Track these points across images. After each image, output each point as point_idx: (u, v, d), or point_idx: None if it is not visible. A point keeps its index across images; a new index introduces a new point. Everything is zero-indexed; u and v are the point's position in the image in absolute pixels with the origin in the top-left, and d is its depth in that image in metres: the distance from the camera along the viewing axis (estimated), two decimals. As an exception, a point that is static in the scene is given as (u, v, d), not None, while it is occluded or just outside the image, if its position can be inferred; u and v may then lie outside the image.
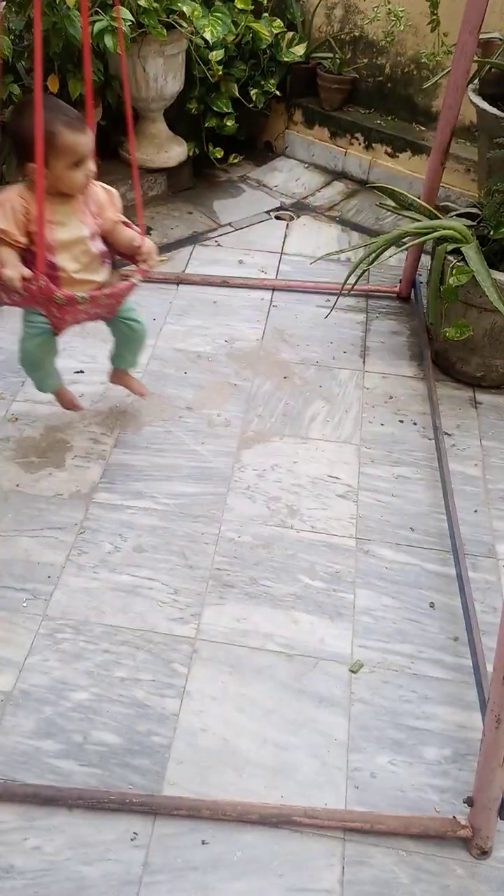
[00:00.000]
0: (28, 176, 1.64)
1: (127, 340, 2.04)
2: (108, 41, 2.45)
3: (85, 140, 1.65)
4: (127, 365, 2.14)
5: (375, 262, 2.40)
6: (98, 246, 1.79)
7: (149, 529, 1.92)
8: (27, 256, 1.68)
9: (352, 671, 1.63)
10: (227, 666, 1.63)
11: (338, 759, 1.49)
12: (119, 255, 1.89)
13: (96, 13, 2.51)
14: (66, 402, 2.14)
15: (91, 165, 1.69)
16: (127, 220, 1.85)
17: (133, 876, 1.31)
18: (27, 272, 1.62)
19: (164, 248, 3.07)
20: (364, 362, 2.52)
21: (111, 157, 3.31)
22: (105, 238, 1.82)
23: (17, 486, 2.02)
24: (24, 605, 1.73)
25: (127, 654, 1.64)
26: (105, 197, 1.80)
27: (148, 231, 3.17)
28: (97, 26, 2.46)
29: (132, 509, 1.97)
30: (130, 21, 2.52)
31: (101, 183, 1.80)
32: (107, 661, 1.63)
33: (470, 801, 1.36)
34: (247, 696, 1.58)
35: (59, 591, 1.76)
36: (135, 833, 1.37)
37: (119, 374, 2.18)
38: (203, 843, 1.36)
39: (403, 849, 1.37)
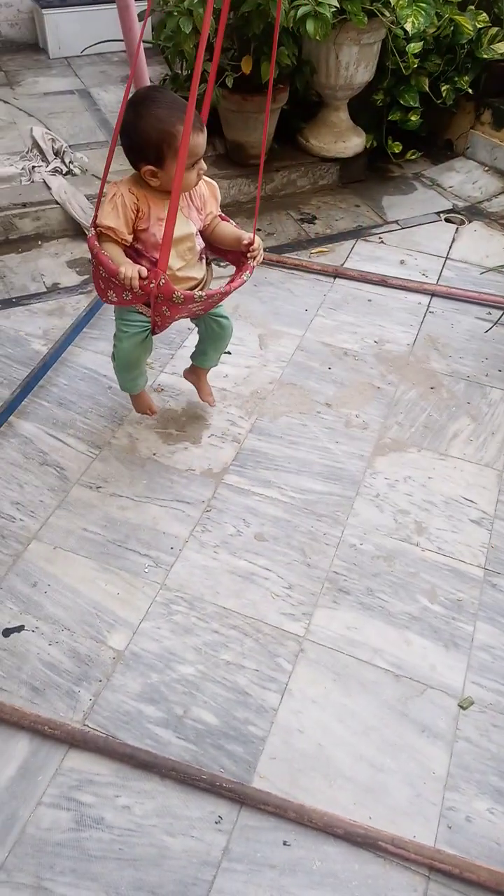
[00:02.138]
0: (144, 177, 1.57)
1: (215, 338, 1.95)
2: (310, 26, 2.43)
3: (202, 140, 1.56)
4: (209, 363, 2.07)
5: (551, 281, 2.25)
6: (201, 242, 1.72)
7: (272, 520, 1.93)
8: (129, 253, 1.63)
9: (461, 706, 1.56)
10: (332, 672, 1.61)
11: (433, 793, 1.43)
12: (214, 251, 1.79)
13: (301, -3, 2.50)
14: (144, 405, 2.08)
15: (203, 164, 1.61)
16: (223, 214, 1.77)
17: (213, 858, 1.33)
18: (145, 271, 1.55)
19: (326, 240, 3.04)
20: (519, 385, 2.38)
21: (287, 142, 3.32)
22: (202, 233, 1.73)
23: (154, 454, 2.08)
24: (146, 570, 1.79)
25: (235, 638, 1.66)
26: (208, 191, 1.72)
27: (312, 220, 3.16)
28: (301, 10, 2.45)
29: (258, 496, 1.98)
30: (334, 7, 2.49)
31: (204, 178, 1.71)
32: (215, 642, 1.65)
33: None
34: (348, 708, 1.55)
35: (180, 563, 1.81)
36: (220, 817, 1.38)
37: (198, 372, 2.12)
38: (285, 843, 1.36)
39: (490, 904, 1.30)
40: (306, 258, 2.91)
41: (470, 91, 3.27)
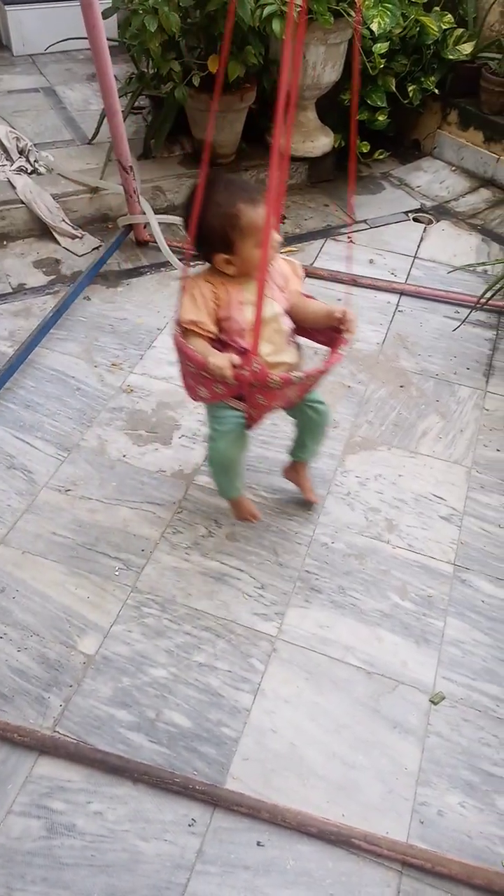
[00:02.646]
0: (219, 267, 1.50)
1: (313, 426, 1.79)
2: (276, 25, 2.42)
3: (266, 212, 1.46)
4: (309, 455, 1.89)
5: (516, 280, 2.28)
6: (288, 323, 1.61)
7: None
8: (214, 346, 1.54)
9: (432, 702, 1.57)
10: (304, 671, 1.61)
11: (405, 789, 1.44)
12: (302, 333, 1.68)
13: (266, -4, 2.50)
14: (245, 511, 1.88)
15: (276, 236, 1.51)
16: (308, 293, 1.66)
17: (186, 861, 1.32)
18: (237, 359, 1.44)
19: (295, 239, 3.05)
20: (487, 382, 2.41)
21: (256, 141, 3.31)
22: (289, 313, 1.63)
23: (124, 456, 2.06)
24: (117, 573, 1.77)
25: (207, 640, 1.65)
26: (289, 269, 1.63)
27: (282, 219, 3.15)
28: (267, 10, 2.44)
29: (230, 497, 1.98)
30: (299, 7, 2.48)
31: (282, 255, 1.64)
32: (187, 644, 1.64)
33: (541, 865, 1.29)
34: (320, 706, 1.55)
35: (151, 565, 1.80)
36: (193, 819, 1.38)
37: (298, 468, 1.93)
38: (258, 844, 1.36)
39: (462, 897, 1.31)
40: (276, 257, 2.91)
41: (436, 91, 3.30)
